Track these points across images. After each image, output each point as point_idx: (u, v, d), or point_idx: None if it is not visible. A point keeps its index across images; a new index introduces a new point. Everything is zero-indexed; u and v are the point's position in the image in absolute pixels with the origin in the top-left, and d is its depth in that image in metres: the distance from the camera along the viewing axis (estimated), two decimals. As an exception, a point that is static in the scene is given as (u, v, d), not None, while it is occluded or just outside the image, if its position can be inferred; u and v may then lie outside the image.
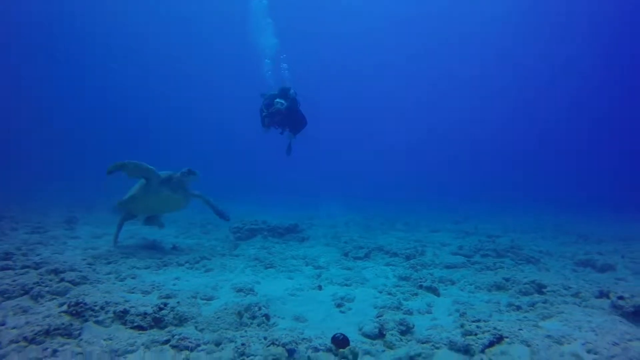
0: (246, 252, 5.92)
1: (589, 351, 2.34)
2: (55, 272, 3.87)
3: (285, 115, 7.06)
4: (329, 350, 2.30)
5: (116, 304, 2.83)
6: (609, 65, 29.81)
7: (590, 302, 3.57)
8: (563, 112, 36.42)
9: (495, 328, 2.53)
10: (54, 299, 3.26)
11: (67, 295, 3.29)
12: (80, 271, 3.88)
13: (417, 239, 7.55)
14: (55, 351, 2.36)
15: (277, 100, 6.91)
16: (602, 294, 3.68)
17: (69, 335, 2.54)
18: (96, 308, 2.77)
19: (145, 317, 2.67)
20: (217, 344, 2.47)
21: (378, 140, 41.12)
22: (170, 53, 35.94)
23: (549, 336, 2.52)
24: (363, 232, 8.57)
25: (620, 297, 3.26)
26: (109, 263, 4.57)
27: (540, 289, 4.01)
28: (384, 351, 2.52)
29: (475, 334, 2.52)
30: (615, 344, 2.36)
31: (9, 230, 6.72)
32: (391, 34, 34.06)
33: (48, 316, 2.70)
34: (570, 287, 4.11)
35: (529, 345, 2.32)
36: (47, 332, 2.51)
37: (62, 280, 3.63)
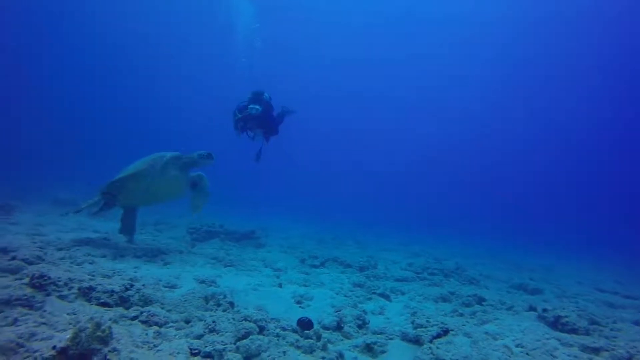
0: (204, 251, 5.92)
1: (517, 345, 2.71)
2: (4, 250, 3.70)
3: (259, 121, 6.94)
4: (294, 331, 2.47)
5: (81, 280, 2.81)
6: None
7: (521, 314, 4.03)
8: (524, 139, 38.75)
9: (442, 322, 2.84)
10: (5, 276, 3.13)
11: (22, 272, 3.17)
12: (33, 251, 3.74)
13: (369, 255, 7.89)
14: (16, 320, 2.32)
15: (251, 106, 6.79)
16: (531, 308, 4.16)
17: (30, 307, 2.50)
18: (60, 283, 2.74)
19: (112, 295, 2.68)
20: (187, 322, 2.55)
21: (348, 159, 41.69)
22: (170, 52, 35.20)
23: (486, 333, 2.87)
24: (317, 246, 8.79)
25: (545, 310, 3.75)
26: (61, 249, 4.40)
27: (480, 301, 4.44)
28: (342, 340, 2.73)
29: (425, 327, 2.81)
30: (537, 340, 2.76)
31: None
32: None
33: (7, 287, 2.62)
34: (505, 302, 4.60)
35: (470, 337, 2.64)
36: (7, 302, 2.47)
37: (13, 258, 3.48)
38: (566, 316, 3.63)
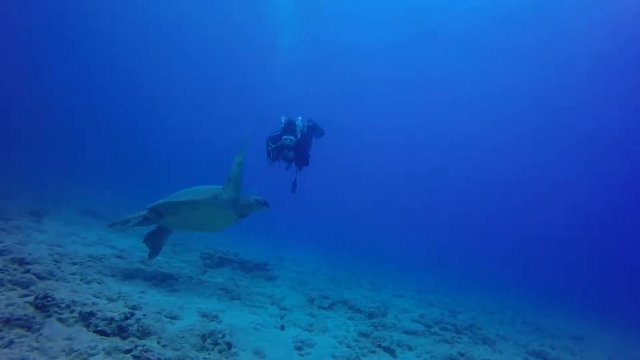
0: (214, 279, 5.89)
1: None
2: (21, 262, 3.80)
3: (294, 151, 6.74)
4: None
5: (84, 304, 2.82)
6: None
7: (536, 389, 3.72)
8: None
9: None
10: (15, 289, 3.19)
11: (31, 288, 3.23)
12: (47, 265, 3.82)
13: (381, 300, 7.62)
14: (11, 342, 2.34)
15: (285, 137, 6.63)
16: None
17: (28, 328, 2.52)
18: (62, 305, 2.76)
19: (110, 323, 2.67)
20: (178, 363, 2.49)
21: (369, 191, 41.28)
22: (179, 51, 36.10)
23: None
24: (329, 284, 8.59)
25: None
26: (74, 264, 4.48)
27: (491, 369, 4.15)
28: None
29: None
30: None
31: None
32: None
33: (12, 304, 2.66)
34: (519, 373, 4.27)
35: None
36: (7, 321, 2.49)
37: (27, 271, 3.57)
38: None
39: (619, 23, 20.12)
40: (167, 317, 3.47)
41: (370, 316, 5.77)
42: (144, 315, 3.07)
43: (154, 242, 5.44)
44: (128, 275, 4.71)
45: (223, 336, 3.06)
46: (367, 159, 42.16)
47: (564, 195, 37.06)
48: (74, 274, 4.03)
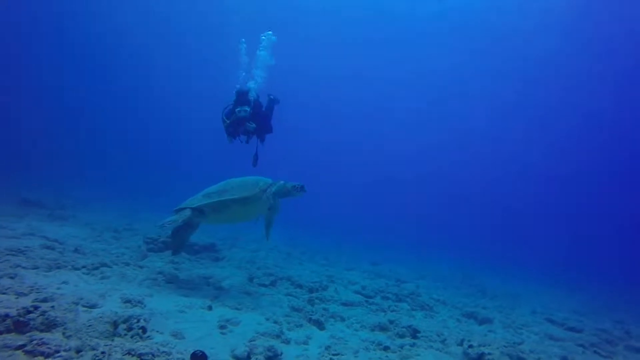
0: (153, 264, 5.82)
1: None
2: None
3: (254, 122, 6.46)
4: (186, 366, 2.42)
5: (-24, 302, 2.73)
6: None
7: (450, 348, 4.02)
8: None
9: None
10: None
11: None
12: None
13: (329, 274, 7.85)
14: None
15: (239, 108, 6.34)
16: (460, 343, 4.15)
17: None
18: (-47, 304, 2.66)
19: (4, 320, 2.60)
20: (78, 351, 2.49)
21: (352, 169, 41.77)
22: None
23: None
24: (280, 261, 8.72)
25: (470, 346, 3.74)
26: (-7, 258, 4.30)
27: (415, 333, 4.42)
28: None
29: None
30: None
31: None
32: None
33: None
34: (442, 334, 4.60)
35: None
36: None
37: None
38: (489, 353, 3.64)
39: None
40: (85, 306, 3.43)
41: (310, 291, 5.95)
42: (52, 307, 3.02)
43: (183, 237, 5.40)
44: (54, 266, 4.57)
45: (138, 321, 3.07)
46: (346, 137, 42.58)
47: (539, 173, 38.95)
48: (-15, 269, 3.87)
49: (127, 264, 5.49)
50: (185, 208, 4.90)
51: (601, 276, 17.75)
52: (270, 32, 7.53)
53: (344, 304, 5.55)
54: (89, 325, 2.85)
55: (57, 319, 2.85)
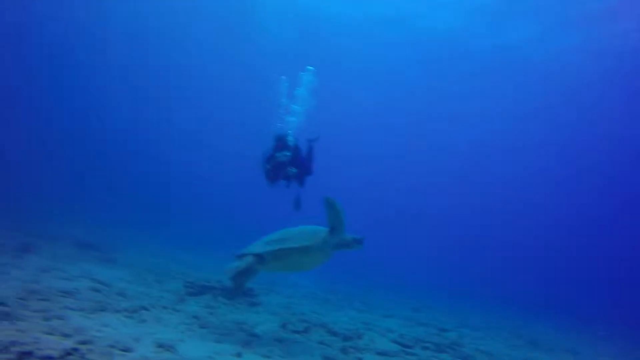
0: (189, 307, 5.95)
1: None
2: (-17, 301, 3.93)
3: (294, 166, 6.62)
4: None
5: (23, 344, 2.92)
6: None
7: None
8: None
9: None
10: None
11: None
12: (8, 306, 3.93)
13: (365, 321, 7.58)
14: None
15: (279, 154, 6.56)
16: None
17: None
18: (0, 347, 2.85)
19: (48, 361, 2.76)
20: (108, 397, 2.56)
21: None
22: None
23: None
24: (317, 307, 8.57)
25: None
26: (43, 300, 4.60)
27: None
28: None
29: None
30: None
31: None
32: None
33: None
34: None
35: None
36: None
37: (-16, 313, 3.68)
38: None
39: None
40: (120, 349, 3.55)
41: (345, 339, 5.76)
42: (90, 349, 3.17)
43: (242, 282, 5.43)
44: (98, 308, 4.80)
45: (167, 368, 3.13)
46: (367, 171, 42.54)
47: (563, 204, 36.78)
48: (37, 311, 4.14)
49: (165, 307, 5.65)
50: (247, 254, 5.04)
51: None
52: (311, 68, 7.65)
53: (380, 354, 5.31)
54: (122, 370, 2.95)
55: (94, 362, 2.97)
